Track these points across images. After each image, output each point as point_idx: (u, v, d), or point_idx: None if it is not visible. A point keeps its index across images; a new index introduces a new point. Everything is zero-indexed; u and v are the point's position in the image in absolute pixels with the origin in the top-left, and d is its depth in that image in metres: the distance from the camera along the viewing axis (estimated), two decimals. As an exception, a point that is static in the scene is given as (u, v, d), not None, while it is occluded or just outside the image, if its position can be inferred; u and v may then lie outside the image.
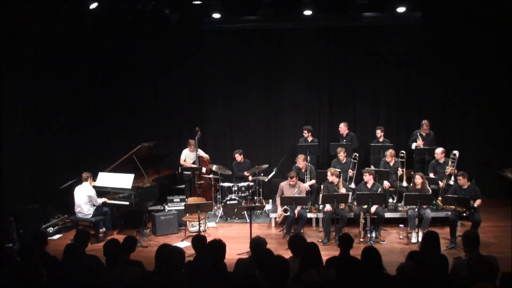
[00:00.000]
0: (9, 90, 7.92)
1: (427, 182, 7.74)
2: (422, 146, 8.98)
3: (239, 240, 7.37)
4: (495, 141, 9.87)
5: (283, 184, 8.11)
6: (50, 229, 8.20)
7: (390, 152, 8.63)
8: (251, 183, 9.19)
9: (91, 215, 7.73)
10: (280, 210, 7.85)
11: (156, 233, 8.04)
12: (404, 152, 8.66)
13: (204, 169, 9.62)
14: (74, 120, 9.56)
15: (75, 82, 9.57)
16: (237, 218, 8.86)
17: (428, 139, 9.17)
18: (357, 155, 8.85)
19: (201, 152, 9.68)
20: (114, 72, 10.41)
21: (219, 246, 4.23)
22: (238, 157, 9.46)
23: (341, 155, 8.77)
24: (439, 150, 8.54)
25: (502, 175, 9.59)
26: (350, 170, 8.68)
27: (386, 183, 8.32)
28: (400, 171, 8.50)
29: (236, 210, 8.73)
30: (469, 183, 7.41)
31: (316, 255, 3.95)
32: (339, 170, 8.29)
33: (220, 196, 9.26)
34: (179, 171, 9.67)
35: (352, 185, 8.42)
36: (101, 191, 8.07)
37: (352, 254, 4.51)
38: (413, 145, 9.12)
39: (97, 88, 10.28)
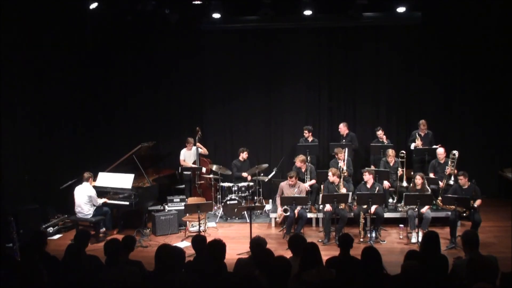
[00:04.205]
0: (9, 90, 7.91)
1: (427, 182, 7.74)
2: (421, 146, 8.99)
3: (239, 240, 7.36)
4: (495, 141, 9.86)
5: (283, 184, 8.11)
6: (50, 229, 8.19)
7: (390, 152, 8.64)
8: (251, 183, 9.18)
9: (91, 215, 7.73)
10: (280, 210, 7.86)
11: (156, 233, 8.03)
12: (404, 152, 8.67)
13: (204, 169, 9.62)
14: (74, 120, 9.57)
15: (75, 82, 9.56)
16: (237, 218, 8.86)
17: (427, 139, 9.18)
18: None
19: (200, 147, 9.68)
20: (114, 72, 10.41)
21: (219, 246, 4.23)
22: (244, 156, 9.46)
23: (341, 156, 8.74)
24: (441, 151, 8.53)
25: (502, 175, 9.58)
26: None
27: (386, 183, 8.33)
28: (400, 171, 8.50)
29: (236, 210, 8.73)
30: (469, 183, 7.42)
31: (316, 255, 3.95)
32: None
33: (220, 196, 9.26)
34: (179, 171, 9.68)
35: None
36: (101, 191, 8.07)
37: (352, 254, 4.50)
38: (412, 145, 9.14)
39: (97, 88, 10.27)
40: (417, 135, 9.16)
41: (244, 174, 9.32)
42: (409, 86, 10.23)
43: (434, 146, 8.94)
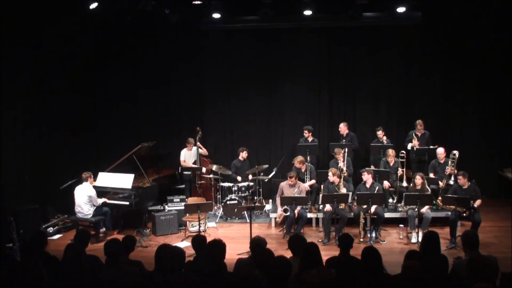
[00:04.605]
0: (9, 90, 7.91)
1: (426, 182, 7.74)
2: (417, 146, 9.00)
3: (239, 240, 7.36)
4: (495, 141, 9.87)
5: (283, 184, 8.11)
6: (50, 229, 8.19)
7: (390, 152, 8.64)
8: (251, 183, 9.18)
9: (91, 215, 7.72)
10: (280, 210, 7.86)
11: (156, 233, 8.03)
12: (404, 152, 8.68)
13: (204, 169, 9.63)
14: (74, 120, 9.55)
15: (75, 82, 9.56)
16: (237, 218, 8.86)
17: (423, 139, 9.19)
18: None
19: (200, 147, 9.69)
20: (114, 72, 10.41)
21: (219, 246, 4.23)
22: (243, 155, 9.47)
23: (339, 157, 8.72)
24: (441, 150, 8.54)
25: (502, 175, 9.59)
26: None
27: (386, 183, 8.33)
28: (400, 171, 8.50)
29: (236, 210, 8.73)
30: (469, 183, 7.42)
31: (316, 255, 3.94)
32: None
33: (220, 196, 9.26)
34: (179, 171, 9.68)
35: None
36: (101, 191, 8.07)
37: (352, 254, 4.50)
38: (409, 146, 9.14)
39: (97, 88, 10.27)
40: (413, 135, 9.17)
41: (239, 178, 9.31)
42: (409, 86, 10.24)
43: (431, 147, 8.94)
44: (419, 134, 9.20)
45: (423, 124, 9.24)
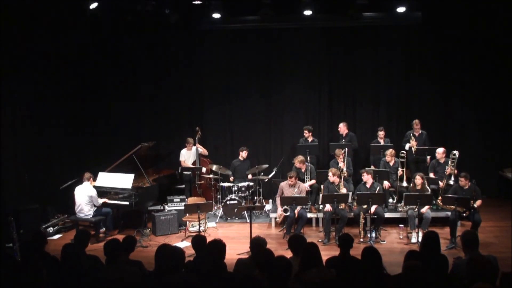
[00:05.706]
0: (9, 90, 7.91)
1: (426, 182, 7.74)
2: (415, 147, 9.00)
3: (239, 240, 7.37)
4: (495, 141, 9.87)
5: (283, 184, 8.11)
6: (50, 229, 8.20)
7: (390, 152, 8.64)
8: (251, 183, 9.19)
9: (91, 215, 7.72)
10: (280, 210, 7.86)
11: (156, 233, 8.04)
12: (405, 152, 8.67)
13: (204, 169, 9.63)
14: (74, 119, 9.56)
15: (75, 81, 9.56)
16: (237, 218, 8.86)
17: (421, 139, 9.20)
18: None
19: (200, 147, 9.69)
20: (114, 72, 10.40)
21: (219, 246, 4.23)
22: (243, 155, 9.48)
23: (339, 159, 8.71)
24: (440, 150, 8.54)
25: (502, 175, 9.58)
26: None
27: (386, 183, 8.33)
28: (400, 171, 8.50)
29: (236, 210, 8.73)
30: (469, 183, 7.42)
31: (316, 255, 3.95)
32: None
33: (220, 196, 9.26)
34: (179, 171, 9.68)
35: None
36: (101, 191, 8.07)
37: (352, 254, 4.51)
38: (407, 146, 9.15)
39: (97, 88, 10.27)
40: (411, 136, 9.17)
41: (231, 178, 9.34)
42: (409, 86, 10.24)
43: (432, 147, 8.93)
44: (416, 134, 9.21)
45: (420, 124, 9.24)
